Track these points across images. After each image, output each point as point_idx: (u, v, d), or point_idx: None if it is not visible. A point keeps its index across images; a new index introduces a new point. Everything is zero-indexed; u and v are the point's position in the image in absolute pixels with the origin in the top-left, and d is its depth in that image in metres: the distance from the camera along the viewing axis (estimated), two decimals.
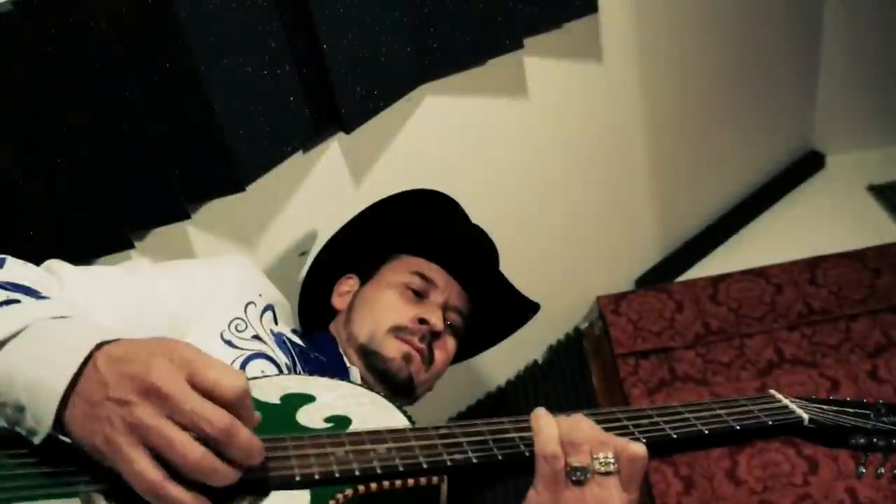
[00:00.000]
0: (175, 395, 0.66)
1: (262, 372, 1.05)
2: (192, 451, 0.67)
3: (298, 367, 1.15)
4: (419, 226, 1.40)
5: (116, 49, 1.26)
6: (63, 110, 1.27)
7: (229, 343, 1.10)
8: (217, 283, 1.14)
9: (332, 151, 1.60)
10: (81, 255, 1.39)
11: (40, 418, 0.70)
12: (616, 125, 2.03)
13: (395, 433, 0.83)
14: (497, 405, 2.12)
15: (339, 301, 1.41)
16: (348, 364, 1.27)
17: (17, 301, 0.80)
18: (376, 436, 0.82)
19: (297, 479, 0.75)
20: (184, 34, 1.33)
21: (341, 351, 1.30)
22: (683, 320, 2.13)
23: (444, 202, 1.38)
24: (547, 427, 0.80)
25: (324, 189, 1.62)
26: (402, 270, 1.32)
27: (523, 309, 1.49)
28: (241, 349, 1.09)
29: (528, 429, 0.84)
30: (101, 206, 1.37)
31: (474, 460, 0.79)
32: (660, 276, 2.33)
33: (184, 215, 1.43)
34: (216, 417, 0.67)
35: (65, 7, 1.23)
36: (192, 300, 1.07)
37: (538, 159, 1.94)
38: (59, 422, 0.69)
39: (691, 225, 2.40)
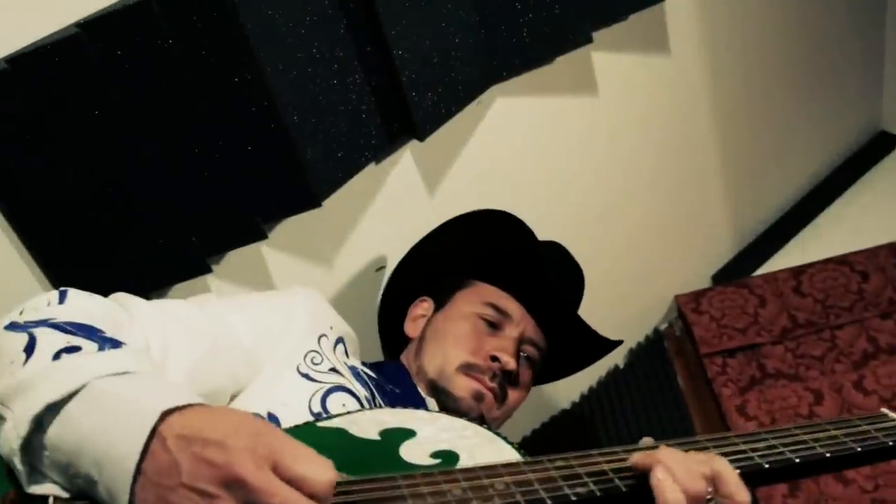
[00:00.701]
0: (261, 488, 0.62)
1: (343, 405, 1.01)
2: None
3: (378, 400, 1.09)
4: (496, 253, 1.34)
5: (184, 67, 1.22)
6: (134, 133, 1.24)
7: (307, 376, 1.06)
8: (289, 316, 1.10)
9: (405, 161, 1.55)
10: (158, 282, 1.35)
11: (115, 496, 0.67)
12: (683, 117, 1.97)
13: (510, 467, 0.78)
14: (582, 413, 2.05)
15: (411, 328, 1.35)
16: (424, 395, 1.21)
17: (79, 349, 0.75)
18: (491, 471, 0.77)
19: None
20: (251, 49, 1.29)
21: (414, 382, 1.24)
22: (768, 315, 2.05)
23: (523, 230, 1.31)
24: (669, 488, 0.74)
25: (398, 200, 1.57)
26: (476, 300, 1.25)
27: (601, 348, 1.41)
28: (320, 382, 1.04)
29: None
30: (177, 230, 1.35)
31: (598, 493, 0.75)
32: (736, 271, 2.25)
33: (261, 235, 1.39)
34: None
35: (131, 27, 1.19)
36: (266, 334, 1.03)
37: (608, 159, 1.88)
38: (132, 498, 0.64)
39: (764, 216, 2.32)
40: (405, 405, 0.91)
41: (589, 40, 1.64)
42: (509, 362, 1.17)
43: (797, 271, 2.12)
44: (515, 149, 1.70)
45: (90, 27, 1.21)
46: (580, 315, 1.36)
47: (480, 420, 1.19)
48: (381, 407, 1.04)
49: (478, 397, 1.17)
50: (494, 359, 1.18)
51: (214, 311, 1.07)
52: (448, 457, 0.79)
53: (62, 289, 0.89)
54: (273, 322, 1.07)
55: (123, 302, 0.97)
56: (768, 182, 2.26)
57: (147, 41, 1.24)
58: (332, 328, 1.16)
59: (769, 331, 2.01)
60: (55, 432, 0.70)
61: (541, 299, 1.30)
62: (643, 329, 2.20)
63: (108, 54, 1.23)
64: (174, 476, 0.63)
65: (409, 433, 0.83)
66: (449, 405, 1.17)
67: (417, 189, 1.59)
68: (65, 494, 0.72)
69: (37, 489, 0.72)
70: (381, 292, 1.47)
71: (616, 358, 2.16)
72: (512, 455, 0.80)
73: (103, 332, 0.83)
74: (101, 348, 0.77)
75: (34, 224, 1.26)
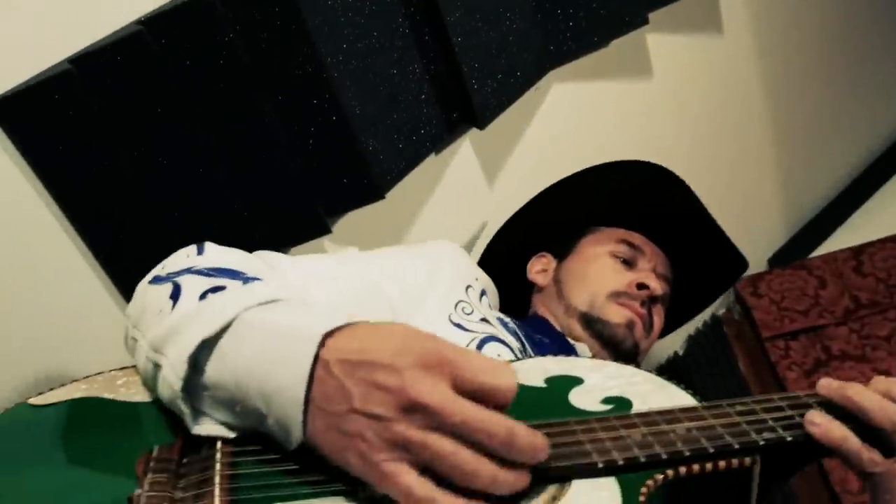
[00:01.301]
0: (443, 408, 0.58)
1: (499, 356, 0.97)
2: (467, 462, 0.59)
3: (528, 351, 1.07)
4: (615, 197, 1.35)
5: (245, 61, 1.20)
6: (195, 129, 1.21)
7: (459, 326, 1.03)
8: (436, 267, 1.08)
9: (464, 150, 1.52)
10: None
11: (288, 429, 0.64)
12: (736, 99, 1.94)
13: (689, 412, 0.75)
14: None
15: (540, 278, 1.33)
16: (572, 342, 1.20)
17: (223, 288, 0.73)
18: (670, 416, 0.74)
19: (600, 466, 0.67)
20: (312, 41, 1.26)
21: (559, 330, 1.22)
22: (829, 296, 2.01)
23: (636, 168, 1.32)
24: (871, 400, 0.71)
25: (458, 190, 1.55)
26: (605, 241, 1.25)
27: (730, 268, 1.42)
28: (473, 332, 1.02)
29: (828, 402, 0.74)
30: (239, 228, 1.31)
31: (788, 438, 0.71)
32: (792, 253, 2.21)
33: (324, 230, 1.36)
34: (493, 428, 0.59)
35: (192, 23, 1.17)
36: (413, 285, 1.00)
37: (664, 142, 1.85)
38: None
39: (819, 196, 2.28)
40: (556, 355, 0.89)
41: (645, 22, 1.62)
42: (657, 287, 1.19)
43: (857, 251, 2.08)
44: (573, 133, 1.67)
45: (152, 24, 1.19)
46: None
47: (634, 350, 1.20)
48: (536, 357, 1.02)
49: (630, 325, 1.18)
50: (641, 286, 1.20)
51: (358, 263, 1.06)
52: (620, 403, 0.77)
53: (198, 243, 0.88)
54: (420, 272, 1.06)
55: (262, 255, 0.96)
56: (822, 161, 2.22)
57: (208, 36, 1.23)
58: (477, 279, 1.15)
59: (831, 312, 1.97)
60: (213, 369, 0.68)
61: (668, 230, 1.32)
62: (701, 315, 2.16)
63: (171, 50, 1.21)
64: (344, 402, 0.60)
65: (576, 380, 0.80)
66: (605, 334, 1.18)
67: (477, 179, 1.57)
68: (231, 434, 0.70)
69: (202, 430, 0.71)
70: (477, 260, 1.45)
71: (675, 345, 2.12)
72: (687, 400, 0.77)
73: (245, 274, 0.80)
74: (245, 284, 0.75)
75: (101, 226, 1.25)
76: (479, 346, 1.00)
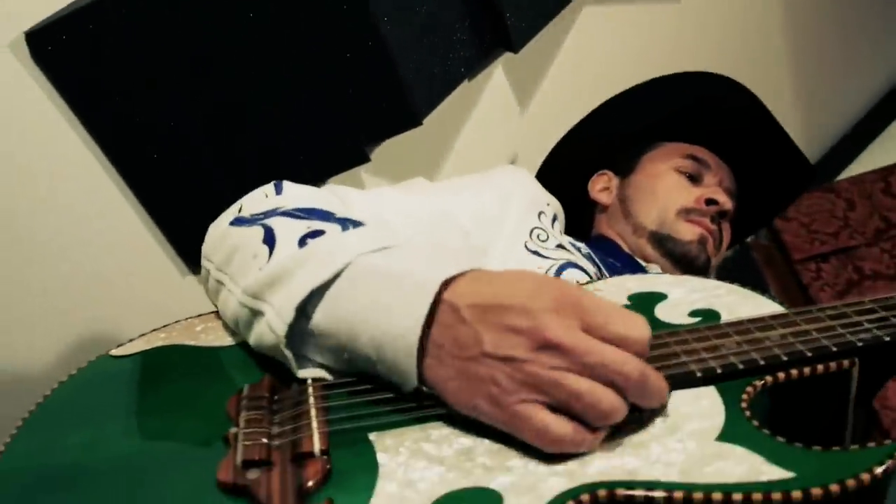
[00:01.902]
0: (578, 348, 0.57)
1: (577, 283, 0.96)
2: (603, 399, 0.58)
3: (605, 275, 1.06)
4: (677, 109, 1.30)
5: None
6: (234, 59, 1.19)
7: (536, 253, 1.02)
8: (507, 194, 1.06)
9: (498, 76, 1.50)
10: None
11: (402, 377, 0.62)
12: (759, 19, 1.90)
13: (780, 318, 0.72)
14: None
15: (604, 196, 1.31)
16: (644, 264, 1.19)
17: (322, 232, 0.71)
18: (762, 323, 0.72)
19: (699, 375, 0.66)
20: None
21: (628, 251, 1.21)
22: (858, 217, 2.00)
23: (695, 79, 1.30)
24: None
25: (492, 115, 1.53)
26: (669, 156, 1.22)
27: (797, 177, 1.38)
28: (550, 258, 1.01)
29: None
30: (279, 159, 1.30)
31: (886, 338, 0.69)
32: (819, 176, 2.20)
33: (363, 158, 1.34)
34: (629, 369, 0.58)
35: None
36: (485, 214, 0.99)
37: (692, 65, 1.81)
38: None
39: (843, 120, 2.26)
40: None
41: None
42: (726, 202, 1.17)
43: (885, 172, 2.07)
44: (604, 57, 1.64)
45: None
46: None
47: (706, 265, 1.17)
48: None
49: (703, 241, 1.15)
50: (710, 202, 1.16)
51: (427, 193, 1.03)
52: (708, 314, 0.75)
53: (274, 182, 0.84)
54: (492, 201, 1.04)
55: (333, 190, 0.92)
56: (845, 84, 2.19)
57: None
58: (548, 205, 1.12)
59: (861, 233, 1.96)
60: (323, 317, 0.66)
61: (731, 141, 1.28)
62: None
63: None
64: (475, 346, 0.58)
65: (659, 296, 0.79)
66: (676, 251, 1.15)
67: (510, 104, 1.55)
68: (329, 377, 0.69)
69: (306, 373, 0.69)
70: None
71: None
72: (775, 308, 0.74)
73: (335, 214, 0.77)
74: (344, 228, 0.72)
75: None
76: (558, 273, 0.99)
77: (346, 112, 1.33)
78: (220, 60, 1.17)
